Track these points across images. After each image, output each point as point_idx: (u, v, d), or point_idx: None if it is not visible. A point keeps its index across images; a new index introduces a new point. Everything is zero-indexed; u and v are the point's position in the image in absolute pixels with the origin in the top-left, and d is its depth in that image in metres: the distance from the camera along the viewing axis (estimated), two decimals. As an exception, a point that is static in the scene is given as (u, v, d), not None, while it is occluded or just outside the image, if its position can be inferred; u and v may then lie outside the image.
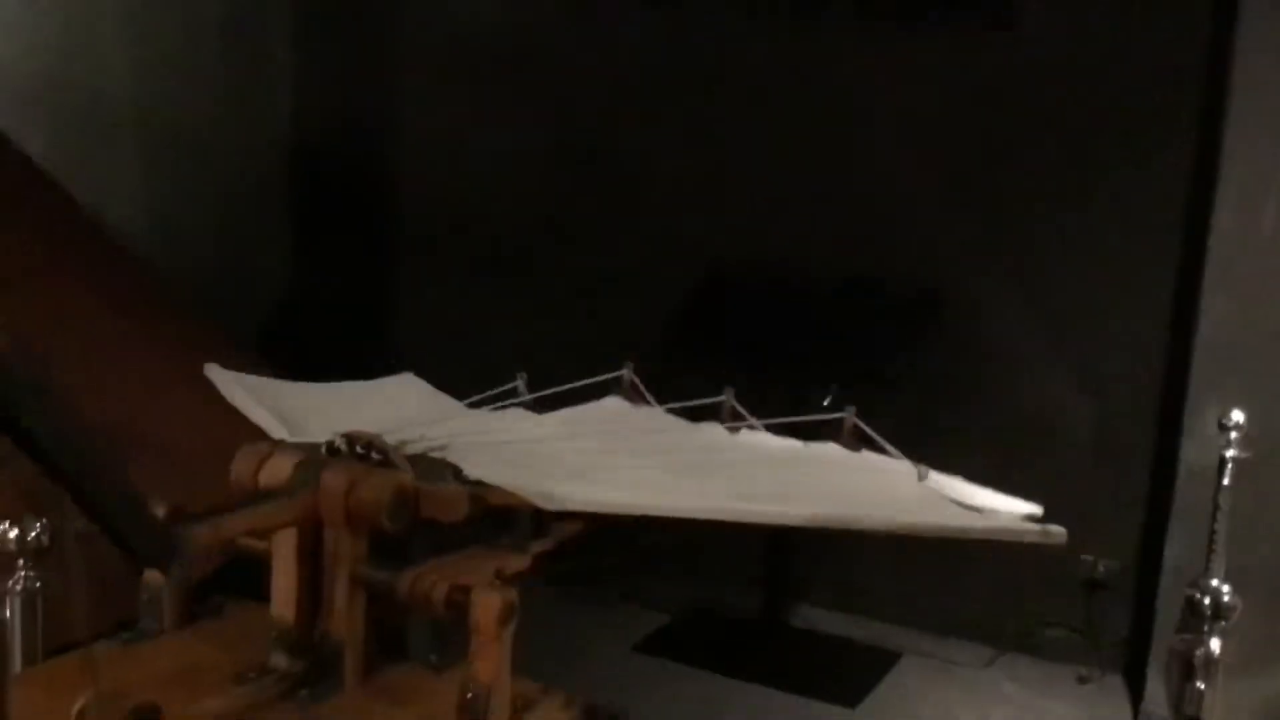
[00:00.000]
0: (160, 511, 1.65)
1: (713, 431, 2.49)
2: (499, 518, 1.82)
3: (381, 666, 1.79)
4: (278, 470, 1.76)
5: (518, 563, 1.81)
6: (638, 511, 1.81)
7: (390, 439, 1.81)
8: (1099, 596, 4.37)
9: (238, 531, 1.66)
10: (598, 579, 4.85)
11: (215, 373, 2.35)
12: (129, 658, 1.79)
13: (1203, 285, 3.92)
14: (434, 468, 1.80)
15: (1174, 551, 3.98)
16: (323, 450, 1.80)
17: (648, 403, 2.61)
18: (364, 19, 5.62)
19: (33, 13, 6.01)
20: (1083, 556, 4.34)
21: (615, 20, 4.97)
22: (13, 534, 2.07)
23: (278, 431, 2.02)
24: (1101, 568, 4.34)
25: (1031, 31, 4.31)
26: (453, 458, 1.85)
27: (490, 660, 1.63)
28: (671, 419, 2.56)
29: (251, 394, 2.19)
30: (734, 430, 2.50)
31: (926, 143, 4.53)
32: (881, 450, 2.28)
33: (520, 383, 2.56)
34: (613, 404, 2.62)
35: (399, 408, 2.28)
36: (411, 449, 1.84)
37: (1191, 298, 4.00)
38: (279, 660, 1.75)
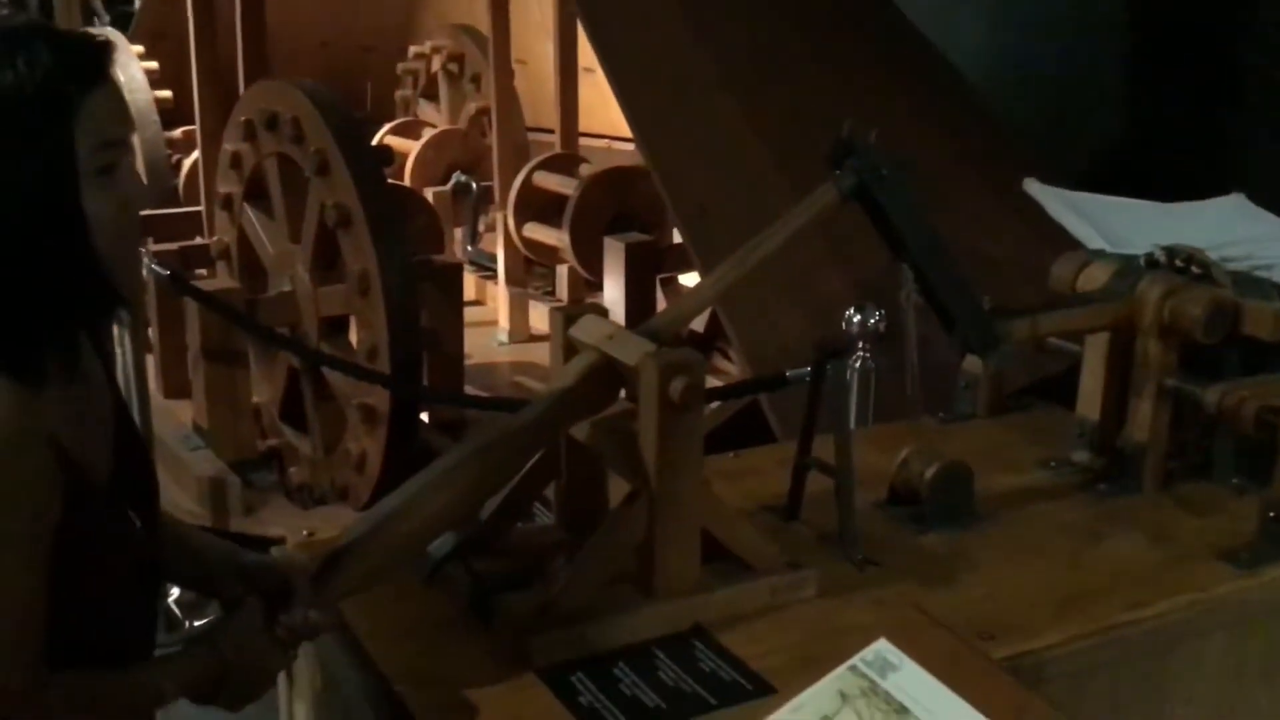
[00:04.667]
0: (986, 304, 1.81)
1: None
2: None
3: (1181, 478, 1.82)
4: (1095, 277, 1.83)
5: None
6: None
7: (1212, 254, 1.79)
8: None
9: (1052, 330, 1.77)
10: None
11: (1034, 187, 2.42)
12: (945, 432, 2.02)
13: None
14: (1257, 285, 1.75)
15: None
16: (1140, 261, 1.83)
17: None
18: None
19: None
20: None
21: None
22: (855, 319, 2.40)
23: (1095, 242, 2.08)
24: None
25: None
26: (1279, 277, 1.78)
27: (1299, 484, 1.59)
28: None
29: (1070, 207, 2.26)
30: None
31: None
32: None
33: None
34: None
35: (1224, 227, 2.20)
36: (1235, 265, 1.79)
37: None
38: (1081, 455, 1.86)
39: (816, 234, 1.69)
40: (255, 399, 3.77)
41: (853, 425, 2.41)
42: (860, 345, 2.43)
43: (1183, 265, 1.78)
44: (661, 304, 4.54)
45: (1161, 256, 1.81)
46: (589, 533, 1.48)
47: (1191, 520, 1.71)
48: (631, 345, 1.44)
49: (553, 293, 5.42)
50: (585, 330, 1.51)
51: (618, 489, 1.51)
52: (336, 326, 3.52)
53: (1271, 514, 1.61)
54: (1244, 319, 1.69)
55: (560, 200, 4.88)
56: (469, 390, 4.07)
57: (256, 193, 3.71)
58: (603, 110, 5.57)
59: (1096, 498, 1.78)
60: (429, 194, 5.43)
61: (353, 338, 3.50)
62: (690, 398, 1.39)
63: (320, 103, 3.30)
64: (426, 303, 3.56)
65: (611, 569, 1.45)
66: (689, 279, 4.47)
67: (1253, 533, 1.63)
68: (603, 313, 1.56)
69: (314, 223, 3.40)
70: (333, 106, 3.31)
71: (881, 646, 1.16)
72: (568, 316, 1.55)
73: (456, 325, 3.94)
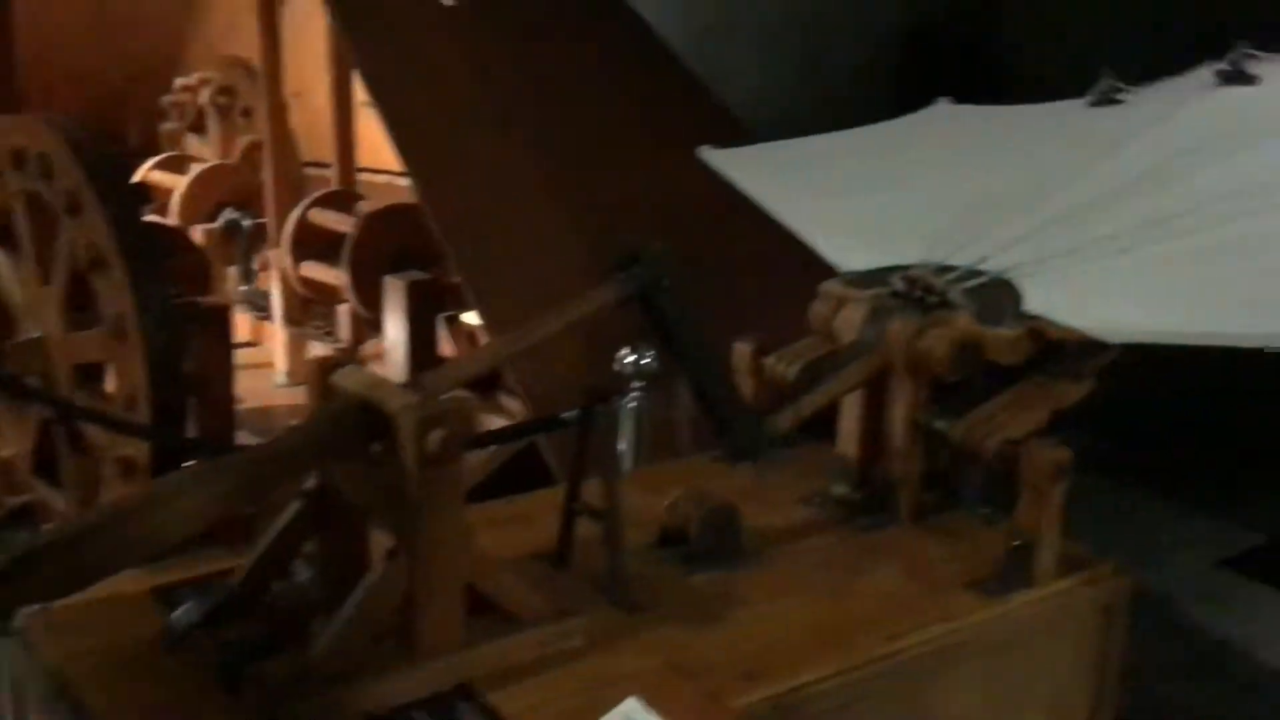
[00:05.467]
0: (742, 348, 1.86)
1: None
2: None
3: (934, 510, 1.89)
4: (850, 318, 1.88)
5: (1075, 392, 1.79)
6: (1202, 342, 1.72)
7: (960, 262, 1.85)
8: None
9: (817, 407, 1.81)
10: (1185, 487, 4.56)
11: (710, 154, 2.27)
12: (715, 472, 2.04)
13: None
14: (996, 300, 1.80)
15: None
16: (887, 295, 1.88)
17: None
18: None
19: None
20: None
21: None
22: (628, 359, 2.41)
23: (823, 246, 2.08)
24: None
25: None
26: (1018, 278, 1.84)
27: (1038, 514, 1.67)
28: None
29: (756, 178, 2.16)
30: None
31: None
32: None
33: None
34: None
35: (939, 164, 2.16)
36: (973, 281, 1.84)
37: None
38: (840, 490, 1.91)
39: (595, 273, 1.71)
40: (3, 453, 3.52)
41: (627, 466, 2.44)
42: (632, 386, 2.44)
43: (921, 295, 1.84)
44: (444, 342, 4.47)
45: (902, 287, 1.87)
46: (350, 591, 1.42)
47: (944, 551, 1.78)
48: (392, 393, 1.40)
49: (332, 333, 5.27)
50: (347, 378, 1.46)
51: (381, 544, 1.46)
52: (91, 374, 3.33)
53: (1015, 543, 1.68)
54: (985, 348, 1.76)
55: (338, 238, 4.76)
56: (243, 436, 3.91)
57: (3, 234, 3.49)
58: (384, 145, 5.47)
59: (856, 532, 1.83)
60: (198, 232, 5.22)
61: (111, 385, 3.32)
62: (449, 450, 1.36)
63: (70, 138, 3.12)
64: (192, 347, 3.40)
65: (372, 628, 1.40)
66: (471, 317, 4.42)
67: (999, 562, 1.70)
68: (362, 365, 1.52)
69: (65, 265, 3.21)
70: (84, 142, 3.14)
71: (629, 707, 1.15)
72: (325, 367, 1.50)
73: (226, 369, 3.78)
